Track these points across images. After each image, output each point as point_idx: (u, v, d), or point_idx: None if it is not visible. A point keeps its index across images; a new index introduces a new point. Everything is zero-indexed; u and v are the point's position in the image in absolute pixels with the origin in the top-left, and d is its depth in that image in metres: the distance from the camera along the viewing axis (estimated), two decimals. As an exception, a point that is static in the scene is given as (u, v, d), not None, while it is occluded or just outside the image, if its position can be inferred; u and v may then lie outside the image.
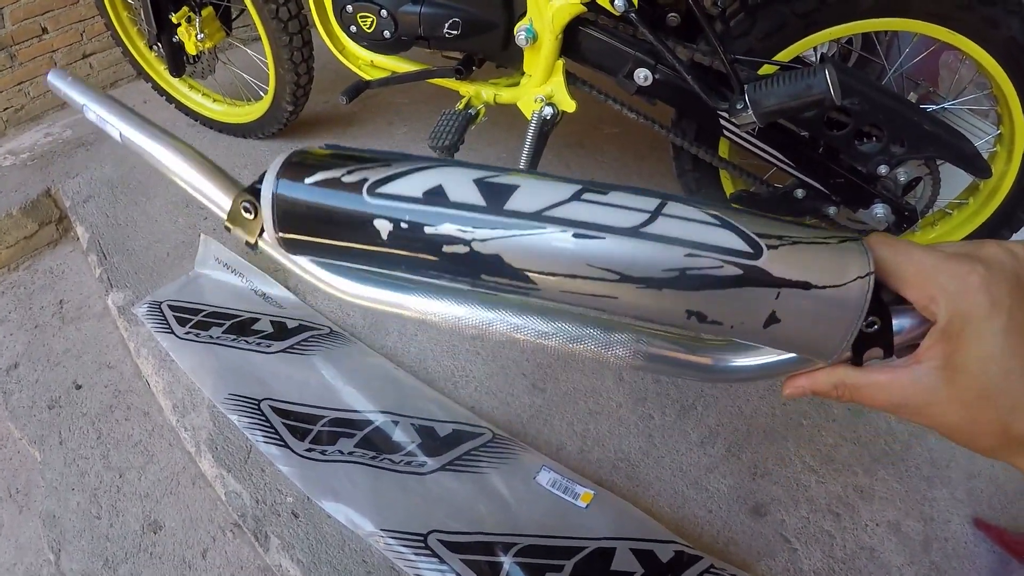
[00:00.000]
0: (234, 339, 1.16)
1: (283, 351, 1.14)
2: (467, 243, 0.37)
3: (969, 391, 0.36)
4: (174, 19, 1.41)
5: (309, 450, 1.02)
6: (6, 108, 1.87)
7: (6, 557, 1.21)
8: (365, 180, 0.39)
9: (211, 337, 1.16)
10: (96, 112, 0.58)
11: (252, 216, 0.46)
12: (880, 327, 0.38)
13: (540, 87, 1.06)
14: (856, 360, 0.40)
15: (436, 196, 0.38)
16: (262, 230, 0.46)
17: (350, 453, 1.02)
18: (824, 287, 0.36)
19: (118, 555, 1.10)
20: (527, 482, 0.99)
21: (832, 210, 1.12)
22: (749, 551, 0.91)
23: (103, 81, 1.98)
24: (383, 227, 0.39)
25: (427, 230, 0.38)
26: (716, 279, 0.36)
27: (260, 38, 1.38)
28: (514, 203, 0.37)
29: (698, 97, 0.98)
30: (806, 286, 0.36)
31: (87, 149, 1.68)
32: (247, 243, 0.48)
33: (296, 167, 0.41)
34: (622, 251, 0.36)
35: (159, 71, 1.64)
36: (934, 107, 1.18)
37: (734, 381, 0.50)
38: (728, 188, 1.21)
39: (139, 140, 0.54)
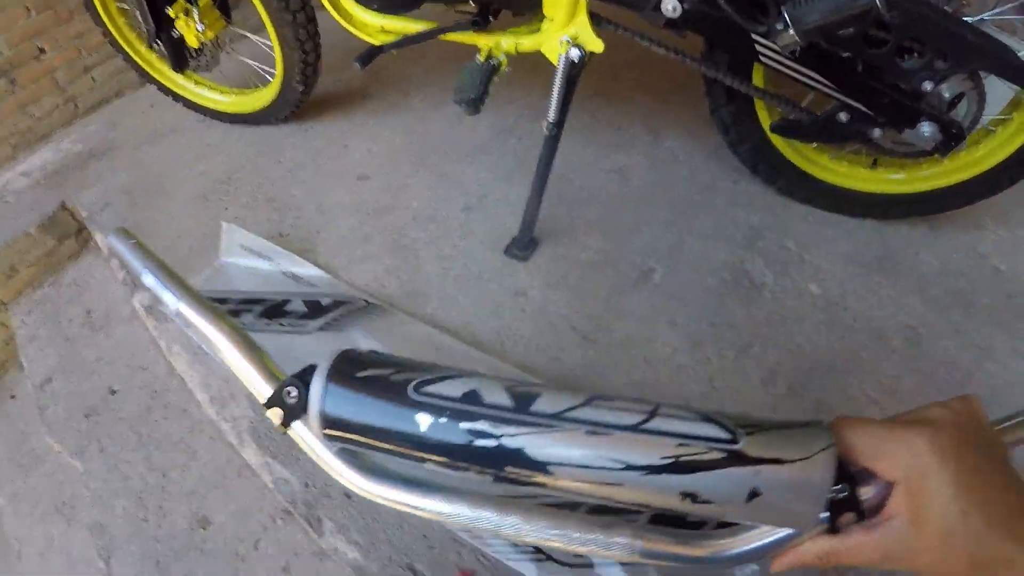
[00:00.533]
0: (267, 324, 1.12)
1: (320, 329, 1.10)
2: (496, 437, 0.44)
3: (936, 535, 0.41)
4: (171, 13, 1.37)
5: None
6: (12, 133, 1.84)
7: (59, 570, 1.19)
8: (411, 380, 0.46)
9: (243, 324, 1.12)
10: (153, 280, 0.58)
11: (295, 399, 0.49)
12: (849, 494, 0.43)
13: (564, 28, 1.00)
14: (833, 528, 0.45)
15: (473, 397, 0.45)
16: (297, 415, 0.49)
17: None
18: (795, 460, 0.42)
19: (169, 556, 1.07)
20: None
21: (877, 132, 1.06)
22: None
23: (107, 93, 1.94)
24: (423, 420, 0.45)
25: (463, 425, 0.44)
26: (705, 462, 0.42)
27: (262, 21, 1.34)
28: (537, 406, 0.45)
29: (732, 23, 0.93)
30: (779, 462, 0.42)
31: (99, 160, 1.65)
32: (280, 427, 0.51)
33: (348, 361, 0.48)
34: (626, 443, 0.43)
35: (163, 71, 1.60)
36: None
37: (728, 566, 0.52)
38: (765, 120, 1.15)
39: (191, 315, 0.55)
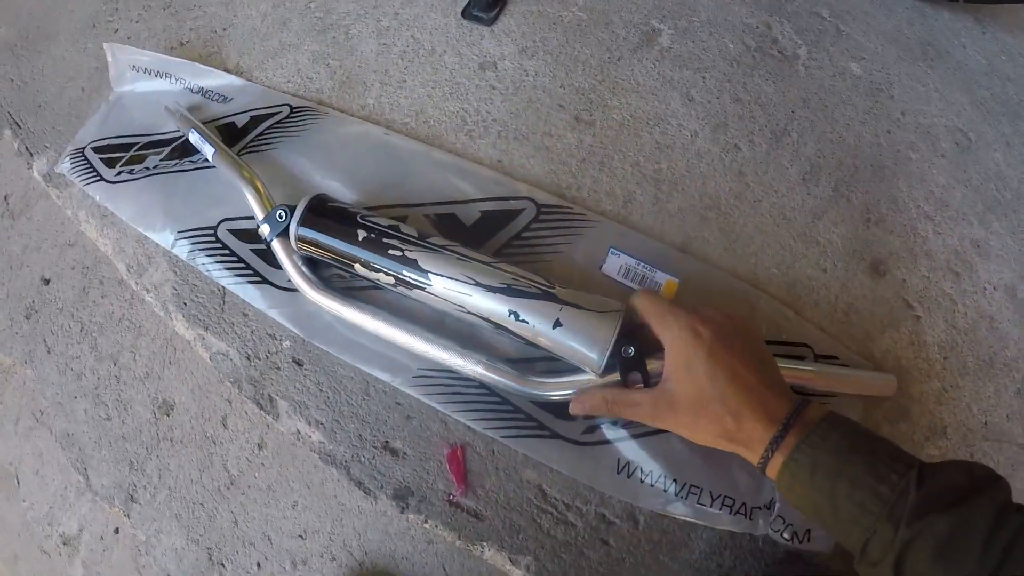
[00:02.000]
0: (176, 163, 0.85)
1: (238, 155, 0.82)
2: (403, 250, 0.64)
3: (691, 400, 0.53)
4: None
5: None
6: None
7: (56, 483, 1.08)
8: (360, 212, 0.67)
9: (148, 169, 0.85)
10: (197, 138, 0.81)
11: (283, 220, 0.70)
12: (635, 355, 0.58)
13: None
14: (623, 382, 0.59)
15: (394, 227, 0.66)
16: (282, 232, 0.70)
17: (352, 276, 0.72)
18: (591, 310, 0.59)
19: (140, 453, 0.95)
20: (590, 271, 0.72)
21: None
22: (872, 320, 0.74)
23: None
24: (361, 234, 0.65)
25: (383, 239, 0.64)
26: (527, 292, 0.60)
27: None
28: (432, 239, 0.65)
29: None
30: (579, 307, 0.59)
31: (-25, 27, 1.34)
32: (266, 239, 0.72)
33: (321, 199, 0.69)
34: (479, 269, 0.62)
35: None
36: None
37: (545, 400, 0.65)
38: None
39: (221, 159, 0.78)
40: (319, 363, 0.70)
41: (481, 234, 0.73)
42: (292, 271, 0.71)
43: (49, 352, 1.04)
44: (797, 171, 0.80)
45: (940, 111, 0.87)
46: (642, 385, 0.58)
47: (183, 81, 0.92)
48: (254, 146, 0.83)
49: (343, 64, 0.90)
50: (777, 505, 0.60)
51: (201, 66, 0.92)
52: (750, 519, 0.60)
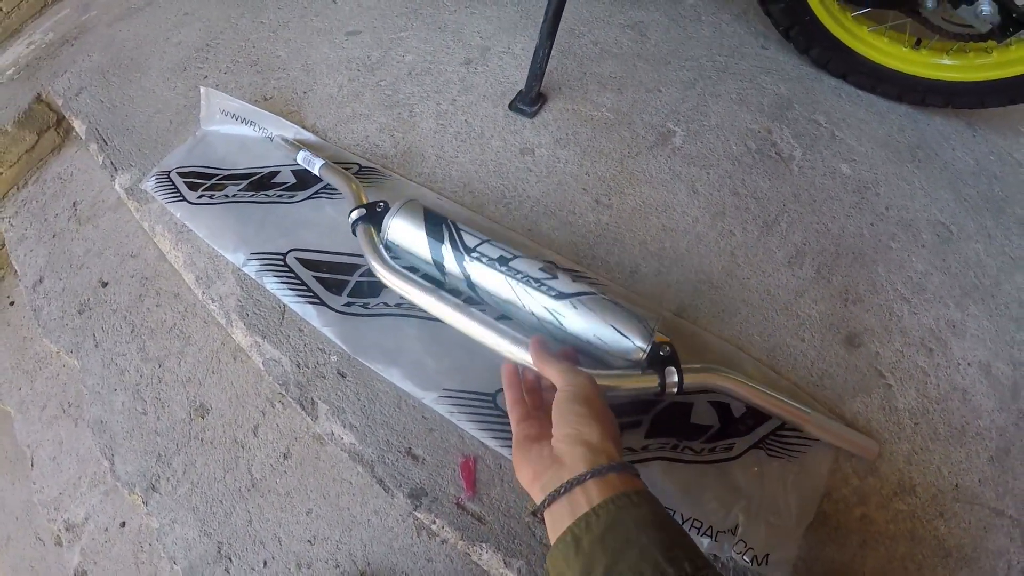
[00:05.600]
0: (252, 195, 0.99)
1: (308, 198, 0.97)
2: (482, 251, 0.79)
3: (574, 408, 0.59)
4: None
5: (348, 304, 0.86)
6: (-24, 32, 1.68)
7: (71, 472, 1.15)
8: (449, 218, 0.82)
9: (227, 196, 0.99)
10: (304, 156, 0.97)
11: (381, 210, 0.85)
12: (671, 353, 0.72)
13: None
14: (661, 380, 0.71)
15: (476, 233, 0.81)
16: (376, 220, 0.85)
17: (397, 305, 0.85)
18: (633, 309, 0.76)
19: (169, 448, 1.02)
20: None
21: (930, 3, 0.96)
22: (844, 386, 0.81)
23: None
24: (447, 233, 0.80)
25: (465, 240, 0.80)
26: (586, 292, 0.76)
27: None
28: (511, 247, 0.80)
29: None
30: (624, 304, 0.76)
31: (72, 45, 1.50)
32: (353, 223, 0.86)
33: (417, 201, 0.85)
34: (549, 277, 0.77)
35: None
36: None
37: None
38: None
39: (327, 172, 0.94)
40: (360, 377, 0.82)
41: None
42: (370, 253, 0.83)
43: (97, 346, 1.14)
44: (784, 255, 0.93)
45: (923, 206, 0.99)
46: (677, 381, 0.69)
47: (265, 131, 1.08)
48: (327, 190, 0.98)
49: (406, 137, 1.06)
50: (740, 529, 0.70)
51: (284, 120, 1.08)
52: (716, 541, 0.69)
